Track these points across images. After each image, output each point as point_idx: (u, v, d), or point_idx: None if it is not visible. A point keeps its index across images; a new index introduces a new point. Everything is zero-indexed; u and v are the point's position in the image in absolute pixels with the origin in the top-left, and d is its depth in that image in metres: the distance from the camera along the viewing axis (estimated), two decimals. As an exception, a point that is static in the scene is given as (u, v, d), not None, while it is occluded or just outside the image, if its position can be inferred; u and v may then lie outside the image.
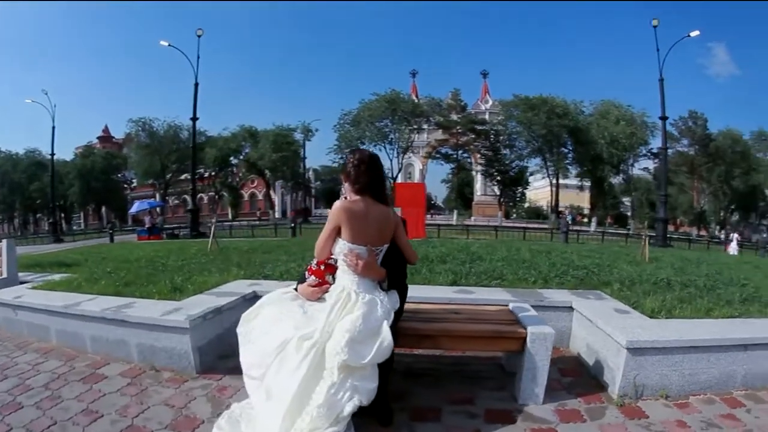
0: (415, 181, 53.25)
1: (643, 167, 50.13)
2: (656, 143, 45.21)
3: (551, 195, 48.13)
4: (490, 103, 53.39)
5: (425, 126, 48.39)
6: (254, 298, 4.21)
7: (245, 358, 2.46)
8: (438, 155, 53.09)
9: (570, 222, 46.63)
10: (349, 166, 2.55)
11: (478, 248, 8.60)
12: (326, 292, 2.54)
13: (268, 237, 18.93)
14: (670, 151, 44.39)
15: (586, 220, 50.46)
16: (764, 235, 23.94)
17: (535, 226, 36.16)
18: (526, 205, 62.69)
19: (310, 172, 61.48)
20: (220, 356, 3.68)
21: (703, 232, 46.74)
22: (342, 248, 2.50)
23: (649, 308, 3.88)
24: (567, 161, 47.09)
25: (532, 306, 3.62)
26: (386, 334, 2.35)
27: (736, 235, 26.57)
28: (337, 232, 2.50)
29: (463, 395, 3.06)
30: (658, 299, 4.17)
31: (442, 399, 2.99)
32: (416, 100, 47.18)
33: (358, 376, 2.25)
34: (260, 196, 60.35)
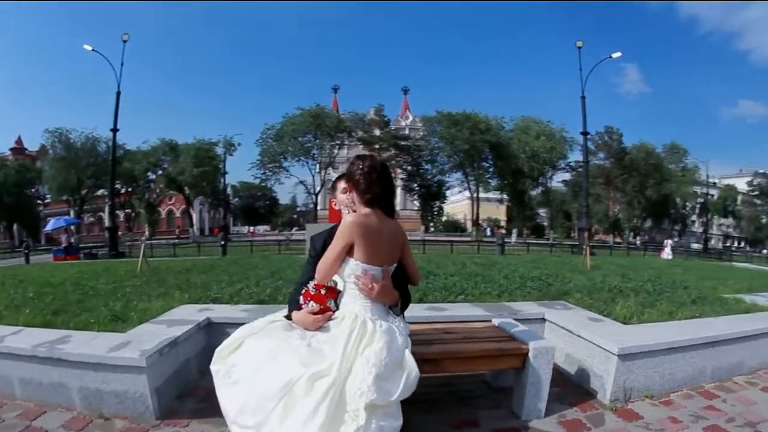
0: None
1: (560, 179, 53.55)
2: (574, 157, 49.14)
3: (472, 208, 49.75)
4: (410, 119, 54.78)
5: (347, 141, 48.44)
6: (209, 325, 3.83)
7: (231, 402, 2.04)
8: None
9: (489, 233, 48.91)
10: (358, 174, 2.19)
11: (424, 263, 8.54)
12: (329, 320, 2.20)
13: (193, 256, 17.69)
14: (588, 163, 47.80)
15: (503, 231, 52.90)
16: (676, 239, 26.35)
17: (459, 239, 37.37)
18: (444, 218, 64.36)
19: (229, 189, 59.18)
20: (177, 396, 3.21)
21: (618, 239, 50.43)
22: (353, 269, 2.15)
23: (621, 315, 4.07)
24: (488, 175, 48.95)
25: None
26: (412, 365, 2.09)
27: (669, 241, 29.04)
28: (347, 251, 2.15)
29: (465, 417, 2.93)
30: (625, 306, 4.38)
31: (445, 424, 2.83)
32: (339, 116, 47.12)
33: (382, 414, 1.95)
34: (178, 214, 57.50)
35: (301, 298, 2.26)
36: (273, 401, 1.88)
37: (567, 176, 52.86)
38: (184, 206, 53.74)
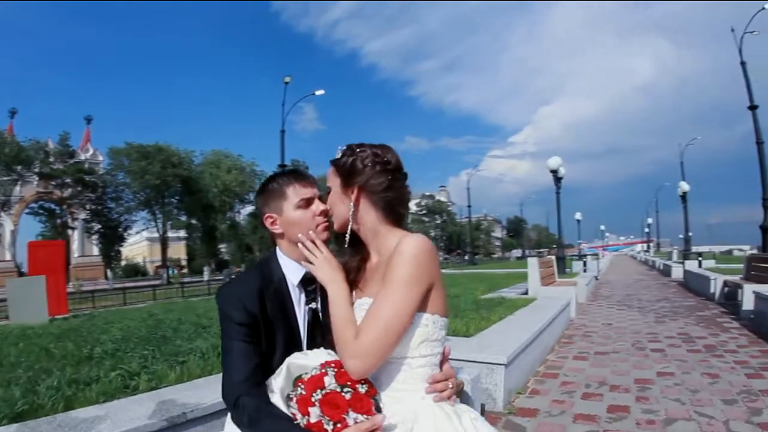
0: (6, 244, 41.88)
1: (248, 212, 54.97)
2: None
3: (151, 249, 46.01)
4: (91, 151, 47.73)
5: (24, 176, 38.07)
6: None
7: None
8: (42, 211, 42.82)
9: (172, 274, 45.98)
10: (379, 173, 1.26)
11: (172, 316, 7.26)
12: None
13: None
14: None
15: (185, 270, 50.74)
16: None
17: (151, 283, 34.80)
18: (123, 262, 57.75)
19: None
20: None
21: None
22: (429, 332, 1.19)
23: (460, 331, 4.54)
24: (178, 212, 46.49)
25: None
26: None
27: None
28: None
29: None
30: (457, 322, 4.88)
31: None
32: (21, 143, 36.23)
33: None
34: None
35: (313, 411, 1.08)
36: None
37: (250, 209, 54.98)
38: None
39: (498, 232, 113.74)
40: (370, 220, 1.27)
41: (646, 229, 69.37)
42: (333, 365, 1.13)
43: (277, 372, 1.22)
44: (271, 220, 1.37)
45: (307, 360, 1.21)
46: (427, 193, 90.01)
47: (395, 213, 1.29)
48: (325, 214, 1.36)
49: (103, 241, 42.39)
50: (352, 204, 1.26)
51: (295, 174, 1.41)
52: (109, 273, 41.91)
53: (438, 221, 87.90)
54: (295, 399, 1.10)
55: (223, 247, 57.19)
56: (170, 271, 45.33)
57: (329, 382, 1.11)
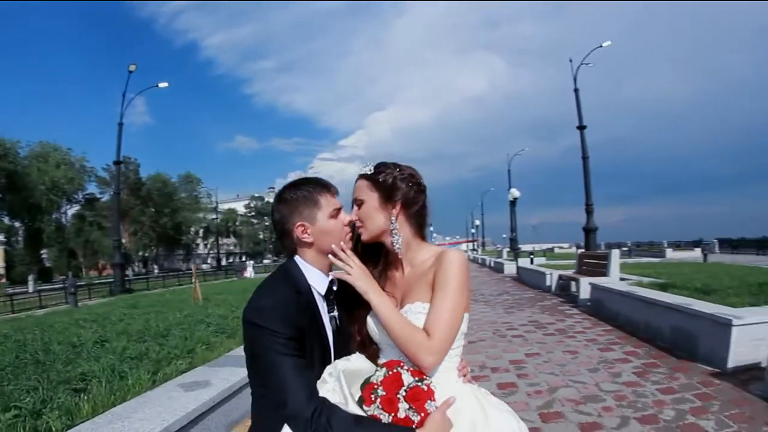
0: None
1: (73, 213, 49.00)
2: (90, 188, 46.13)
3: None
4: None
5: None
6: None
7: None
8: None
9: None
10: (415, 190, 1.45)
11: (31, 336, 6.35)
12: None
13: None
14: (104, 196, 45.92)
15: (4, 280, 43.84)
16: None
17: None
18: None
19: None
20: None
21: (129, 272, 49.18)
22: (464, 328, 1.41)
23: None
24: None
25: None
26: None
27: (251, 262, 34.22)
28: None
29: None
30: None
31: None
32: None
33: None
34: None
35: (401, 408, 1.19)
36: None
37: (76, 208, 49.05)
38: None
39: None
40: (405, 234, 1.44)
41: (473, 230, 76.51)
42: (400, 365, 1.26)
43: (320, 382, 1.26)
44: (303, 228, 1.38)
45: (351, 364, 1.31)
46: (257, 195, 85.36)
47: (423, 229, 1.49)
48: (349, 224, 1.45)
49: None
50: (394, 218, 1.41)
51: (322, 183, 1.44)
52: None
53: (267, 223, 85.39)
54: (377, 401, 1.19)
55: (43, 253, 49.86)
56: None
57: (408, 379, 1.23)
